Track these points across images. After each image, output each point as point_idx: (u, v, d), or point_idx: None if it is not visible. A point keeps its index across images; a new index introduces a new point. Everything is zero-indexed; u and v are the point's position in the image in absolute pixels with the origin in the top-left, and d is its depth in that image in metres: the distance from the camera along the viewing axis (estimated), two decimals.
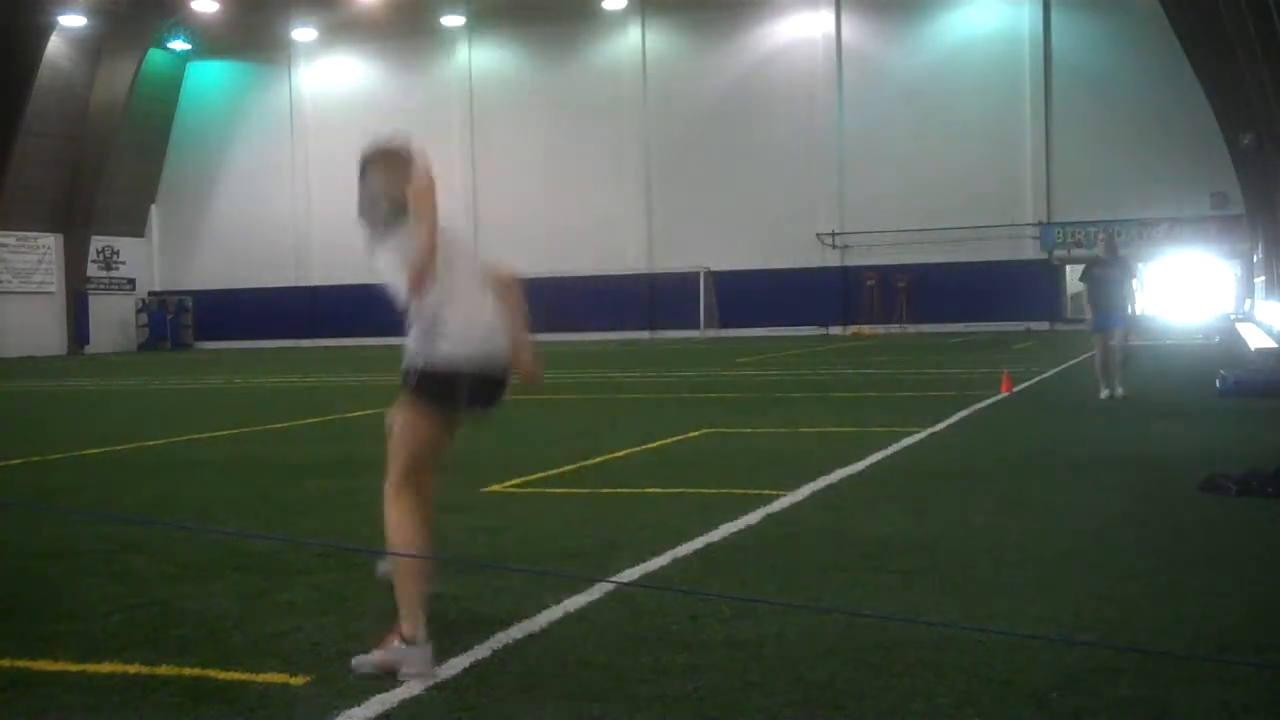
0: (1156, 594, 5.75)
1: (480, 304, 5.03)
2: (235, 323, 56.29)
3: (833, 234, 50.14)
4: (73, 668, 4.93)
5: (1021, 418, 14.18)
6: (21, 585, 6.53)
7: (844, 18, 50.54)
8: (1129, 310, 16.73)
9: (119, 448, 13.22)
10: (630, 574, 6.32)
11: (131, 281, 57.35)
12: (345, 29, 54.01)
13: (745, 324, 49.48)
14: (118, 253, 56.49)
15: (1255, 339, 29.57)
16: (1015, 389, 17.47)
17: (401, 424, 5.00)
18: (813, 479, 9.35)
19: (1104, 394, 15.75)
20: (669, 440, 12.44)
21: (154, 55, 54.62)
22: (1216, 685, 4.39)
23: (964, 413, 14.56)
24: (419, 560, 4.86)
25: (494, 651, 5.00)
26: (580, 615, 5.52)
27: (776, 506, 8.22)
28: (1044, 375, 20.86)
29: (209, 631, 5.44)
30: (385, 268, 4.97)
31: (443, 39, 54.48)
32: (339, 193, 53.09)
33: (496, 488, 9.36)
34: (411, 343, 4.95)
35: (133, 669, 4.88)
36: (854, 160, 49.66)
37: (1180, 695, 4.29)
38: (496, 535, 7.61)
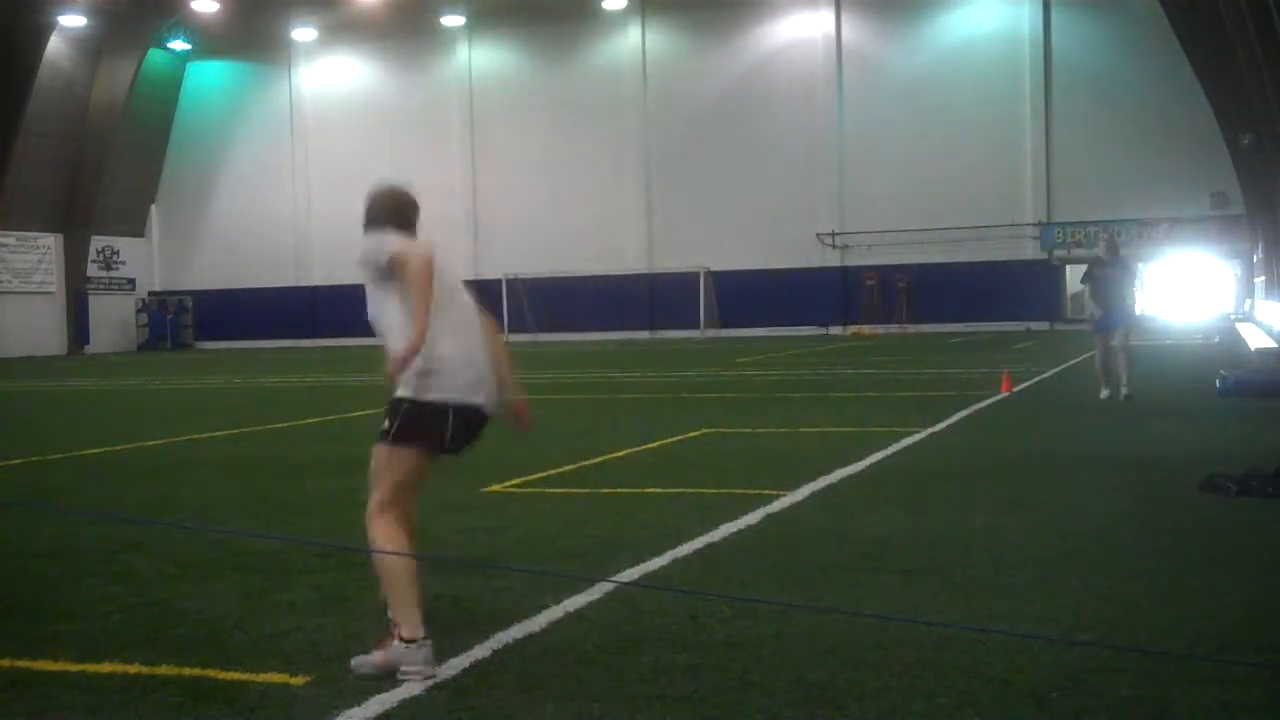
0: (1156, 594, 5.76)
1: (472, 345, 5.15)
2: (235, 323, 56.28)
3: (833, 234, 50.13)
4: (73, 668, 4.93)
5: (1021, 418, 14.18)
6: (21, 585, 6.53)
7: (844, 18, 50.52)
8: (1130, 311, 16.73)
9: (119, 448, 13.22)
10: (630, 574, 6.33)
11: (131, 281, 57.35)
12: (345, 29, 54.00)
13: (745, 324, 49.47)
14: (118, 253, 56.49)
15: (1255, 339, 29.56)
16: (1015, 389, 17.48)
17: (386, 455, 5.05)
18: (813, 479, 9.36)
19: (1104, 394, 15.74)
20: (669, 440, 12.45)
21: (154, 55, 54.61)
22: (1216, 685, 4.39)
23: (964, 413, 14.56)
24: (407, 566, 4.89)
25: (494, 651, 5.00)
26: (580, 615, 5.53)
27: (776, 506, 8.22)
28: (1044, 375, 20.86)
29: (209, 631, 5.44)
30: (375, 314, 5.11)
31: (443, 39, 54.47)
32: (339, 193, 53.08)
33: (496, 488, 9.37)
34: (402, 374, 4.98)
35: (133, 669, 4.88)
36: (854, 160, 49.65)
37: (1180, 695, 4.29)
38: (496, 535, 7.61)
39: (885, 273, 49.18)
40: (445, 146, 53.95)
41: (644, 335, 51.07)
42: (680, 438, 12.67)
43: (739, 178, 50.67)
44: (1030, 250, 48.43)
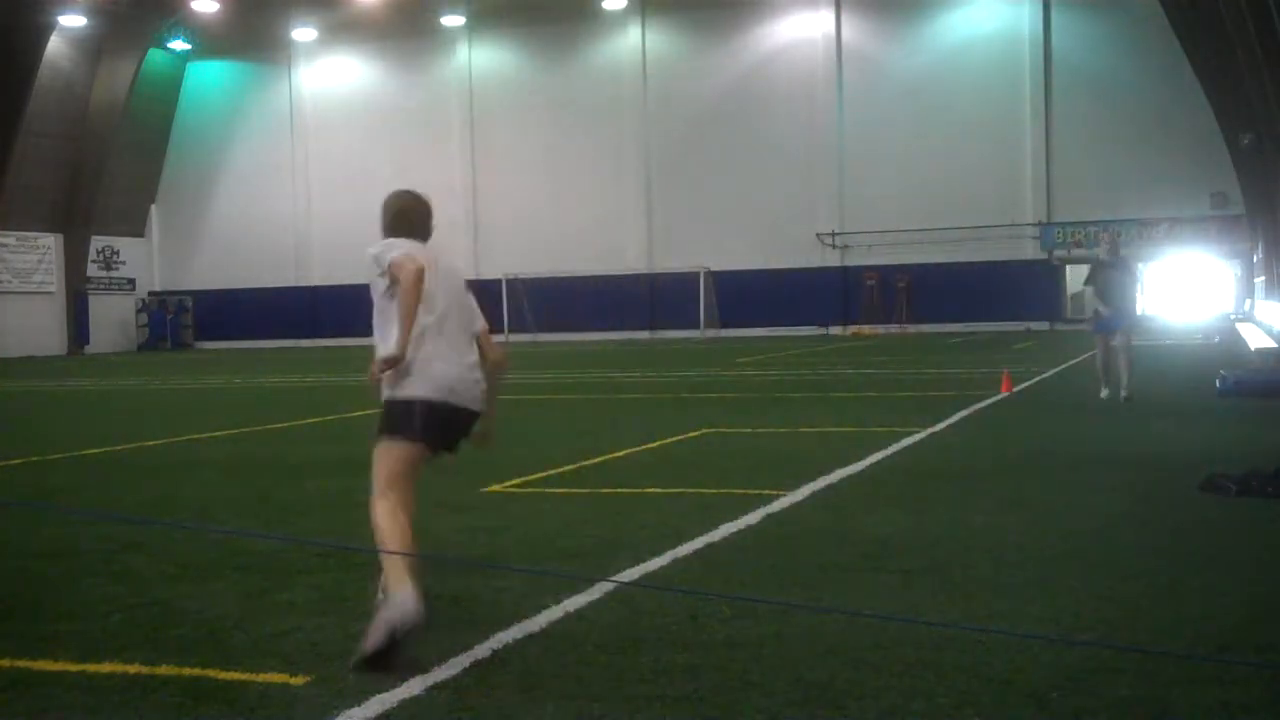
0: (1156, 594, 5.76)
1: (457, 349, 5.34)
2: (235, 323, 56.28)
3: (833, 234, 50.14)
4: (73, 668, 4.93)
5: (1021, 418, 14.18)
6: (21, 585, 6.53)
7: (844, 18, 50.53)
8: (1132, 311, 16.72)
9: (119, 448, 13.22)
10: (630, 574, 6.33)
11: (131, 281, 57.36)
12: (345, 29, 54.00)
13: (745, 324, 49.48)
14: (118, 253, 56.49)
15: (1255, 339, 29.57)
16: (1015, 389, 17.48)
17: (379, 449, 5.34)
18: (813, 479, 9.36)
19: (1104, 394, 15.74)
20: (669, 440, 12.45)
21: (154, 55, 54.61)
22: (1216, 685, 4.39)
23: (964, 413, 14.56)
24: (403, 539, 5.04)
25: (494, 651, 5.00)
26: (580, 615, 5.53)
27: (776, 506, 8.22)
28: (1044, 375, 20.86)
29: (209, 631, 5.44)
30: (376, 317, 5.33)
31: (443, 39, 54.47)
32: (339, 193, 53.14)
33: (496, 488, 9.37)
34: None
35: (133, 669, 4.88)
36: (854, 160, 49.65)
37: (1180, 695, 4.29)
38: (496, 535, 7.61)
39: (885, 273, 49.19)
40: (445, 146, 53.95)
41: (644, 335, 51.08)
42: (680, 438, 12.67)
43: (739, 178, 50.68)
44: (1030, 250, 48.43)
